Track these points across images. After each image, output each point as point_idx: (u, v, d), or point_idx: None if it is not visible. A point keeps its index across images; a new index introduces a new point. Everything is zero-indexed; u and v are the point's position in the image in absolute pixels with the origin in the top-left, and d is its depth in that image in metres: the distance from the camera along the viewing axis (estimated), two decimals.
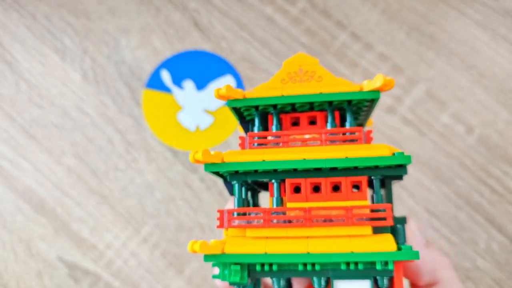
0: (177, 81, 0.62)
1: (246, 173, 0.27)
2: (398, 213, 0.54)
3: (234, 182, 0.28)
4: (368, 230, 0.25)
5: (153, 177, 0.60)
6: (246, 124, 0.32)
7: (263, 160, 0.26)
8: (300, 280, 0.31)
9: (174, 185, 0.60)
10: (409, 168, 0.57)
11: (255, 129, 0.30)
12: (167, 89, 0.62)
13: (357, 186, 0.27)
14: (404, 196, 0.57)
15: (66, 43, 0.64)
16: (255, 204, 0.33)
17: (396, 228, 0.27)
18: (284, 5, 0.62)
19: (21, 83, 0.63)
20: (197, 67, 0.62)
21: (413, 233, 0.29)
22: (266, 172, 0.27)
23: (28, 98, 0.63)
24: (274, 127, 0.29)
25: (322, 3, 0.61)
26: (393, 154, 0.25)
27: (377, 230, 0.26)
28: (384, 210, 0.25)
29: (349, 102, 0.28)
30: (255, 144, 0.28)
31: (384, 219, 0.25)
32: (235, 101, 0.29)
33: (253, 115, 0.30)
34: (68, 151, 0.61)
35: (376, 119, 0.58)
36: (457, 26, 0.59)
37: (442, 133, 0.57)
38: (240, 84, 0.61)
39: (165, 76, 0.62)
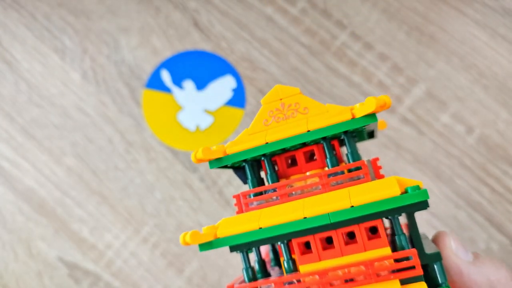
0: (177, 81, 0.62)
1: (247, 244, 0.25)
2: None
3: (239, 251, 0.25)
4: (396, 284, 0.22)
5: (153, 177, 0.60)
6: (241, 171, 0.29)
7: (260, 228, 0.23)
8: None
9: (174, 185, 0.60)
10: (409, 168, 0.57)
11: (249, 182, 0.27)
12: (167, 89, 0.62)
13: (375, 228, 0.24)
14: None
15: (66, 43, 0.64)
16: None
17: (431, 267, 0.23)
18: (284, 5, 0.62)
19: (21, 83, 0.63)
20: (197, 67, 0.62)
21: (454, 253, 0.25)
22: (267, 239, 0.24)
23: (28, 98, 0.63)
24: (269, 176, 0.26)
25: (322, 3, 0.61)
26: (406, 190, 0.22)
27: (408, 279, 0.22)
28: (411, 258, 0.22)
29: (345, 131, 0.25)
30: (253, 203, 0.26)
31: (412, 267, 0.22)
32: (217, 162, 0.26)
33: (243, 164, 0.27)
34: (68, 151, 0.61)
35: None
36: (457, 25, 0.59)
37: (442, 133, 0.57)
38: (240, 84, 0.61)
39: (165, 76, 0.62)
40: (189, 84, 0.62)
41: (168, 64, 0.62)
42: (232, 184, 0.59)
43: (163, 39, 0.63)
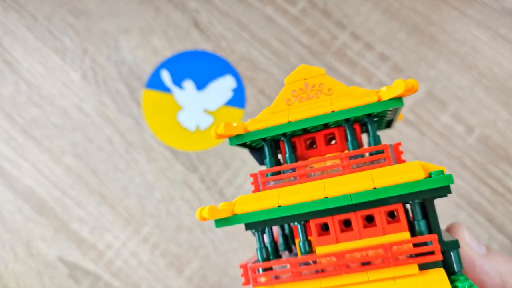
0: (177, 81, 0.62)
1: (265, 222, 0.24)
2: None
3: (254, 230, 0.25)
4: (414, 268, 0.22)
5: (153, 177, 0.60)
6: (257, 152, 0.28)
7: (279, 206, 0.23)
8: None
9: (174, 185, 0.60)
10: None
11: (267, 161, 0.26)
12: (167, 89, 0.62)
13: (393, 213, 0.24)
14: None
15: (66, 43, 0.64)
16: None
17: (448, 254, 0.23)
18: (284, 5, 0.62)
19: (21, 83, 0.63)
20: (197, 67, 0.62)
21: (467, 245, 0.25)
22: (286, 218, 0.24)
23: (28, 98, 0.63)
24: (287, 157, 0.26)
25: (322, 3, 0.61)
26: (429, 174, 0.22)
27: (426, 265, 0.22)
28: (431, 243, 0.22)
29: (369, 114, 0.24)
30: (270, 182, 0.25)
31: (432, 252, 0.22)
32: (237, 138, 0.25)
33: (262, 144, 0.27)
34: (68, 151, 0.61)
35: None
36: (458, 26, 0.59)
37: (442, 133, 0.57)
38: (240, 84, 0.61)
39: (165, 76, 0.62)
40: (189, 84, 0.62)
41: (168, 64, 0.62)
42: (233, 184, 0.59)
43: (163, 39, 0.63)
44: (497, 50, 0.58)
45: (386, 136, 0.58)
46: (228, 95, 0.61)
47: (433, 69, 0.59)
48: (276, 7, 0.62)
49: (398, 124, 0.58)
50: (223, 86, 0.61)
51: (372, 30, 0.60)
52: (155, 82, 0.62)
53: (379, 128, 0.32)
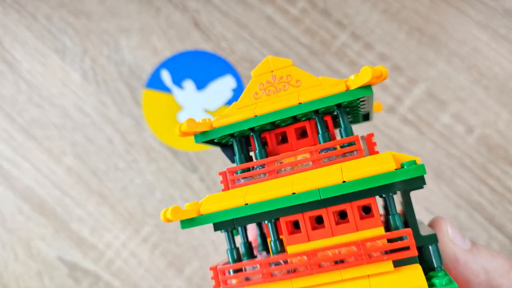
0: (177, 81, 0.62)
1: (233, 221, 0.23)
2: None
3: (223, 231, 0.24)
4: (389, 265, 0.21)
5: (153, 177, 0.60)
6: (230, 150, 0.27)
7: (246, 204, 0.22)
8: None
9: (174, 185, 0.60)
10: None
11: (236, 158, 0.25)
12: (167, 89, 0.62)
13: (368, 208, 0.23)
14: None
15: (66, 43, 0.64)
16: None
17: (426, 249, 0.22)
18: (284, 5, 0.62)
19: (21, 83, 0.63)
20: (197, 67, 0.62)
21: (451, 240, 0.24)
22: (254, 216, 0.23)
23: (28, 98, 0.63)
24: (257, 152, 0.25)
25: (322, 3, 0.61)
26: (402, 165, 0.21)
27: (401, 261, 0.21)
28: (406, 238, 0.21)
29: (338, 105, 0.23)
30: (240, 180, 0.24)
31: (407, 248, 0.21)
32: (203, 135, 0.24)
33: (231, 140, 0.26)
34: (68, 151, 0.61)
35: (376, 119, 0.58)
36: (458, 26, 0.59)
37: (442, 133, 0.57)
38: (240, 84, 0.61)
39: (165, 76, 0.62)
40: (189, 84, 0.62)
41: (168, 64, 0.62)
42: None
43: (163, 40, 0.63)
44: (497, 50, 0.58)
45: (386, 136, 0.58)
46: (228, 95, 0.61)
47: (433, 69, 0.59)
48: (276, 7, 0.62)
49: (398, 124, 0.58)
50: (223, 86, 0.61)
51: (372, 30, 0.60)
52: (155, 82, 0.62)
53: (357, 121, 0.31)
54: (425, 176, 0.57)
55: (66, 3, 0.64)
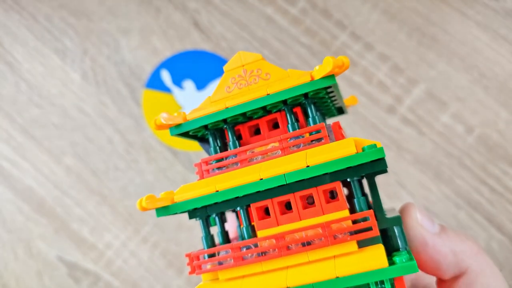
0: (177, 81, 0.62)
1: (206, 208, 0.24)
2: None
3: (198, 218, 0.25)
4: (353, 246, 0.22)
5: (153, 177, 0.60)
6: (206, 143, 0.28)
7: (216, 191, 0.23)
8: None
9: (174, 185, 0.60)
10: (409, 167, 0.57)
11: (211, 149, 0.26)
12: (167, 89, 0.62)
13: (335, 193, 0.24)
14: (404, 195, 0.57)
15: (66, 43, 0.64)
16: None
17: (392, 232, 0.23)
18: (284, 5, 0.62)
19: (21, 83, 0.63)
20: (197, 67, 0.62)
21: (419, 224, 0.24)
22: (226, 202, 0.24)
23: (28, 98, 0.63)
24: (231, 144, 0.26)
25: (322, 3, 0.62)
26: (362, 149, 0.22)
27: (365, 242, 0.22)
28: (368, 219, 0.22)
29: (305, 95, 0.24)
30: (214, 169, 0.25)
31: (369, 228, 0.22)
32: (177, 128, 0.26)
33: (206, 133, 0.27)
34: (68, 151, 0.62)
35: (376, 119, 0.58)
36: (458, 26, 0.59)
37: (442, 133, 0.57)
38: None
39: (165, 76, 0.62)
40: (189, 84, 0.62)
41: (168, 64, 0.62)
42: None
43: (163, 40, 0.63)
44: (497, 50, 0.58)
45: (386, 136, 0.58)
46: None
47: (433, 69, 0.59)
48: (276, 7, 0.62)
49: (398, 124, 0.58)
50: None
51: (372, 30, 0.60)
52: (155, 82, 0.62)
53: (331, 115, 0.32)
54: (425, 176, 0.57)
55: (66, 3, 0.65)
